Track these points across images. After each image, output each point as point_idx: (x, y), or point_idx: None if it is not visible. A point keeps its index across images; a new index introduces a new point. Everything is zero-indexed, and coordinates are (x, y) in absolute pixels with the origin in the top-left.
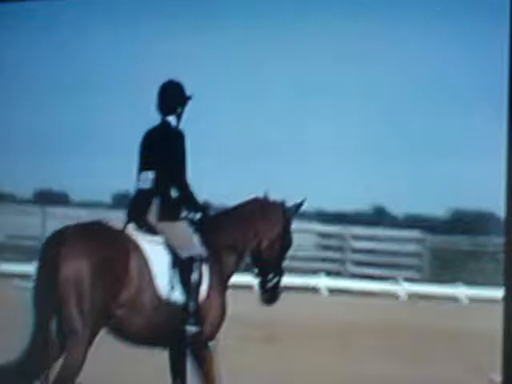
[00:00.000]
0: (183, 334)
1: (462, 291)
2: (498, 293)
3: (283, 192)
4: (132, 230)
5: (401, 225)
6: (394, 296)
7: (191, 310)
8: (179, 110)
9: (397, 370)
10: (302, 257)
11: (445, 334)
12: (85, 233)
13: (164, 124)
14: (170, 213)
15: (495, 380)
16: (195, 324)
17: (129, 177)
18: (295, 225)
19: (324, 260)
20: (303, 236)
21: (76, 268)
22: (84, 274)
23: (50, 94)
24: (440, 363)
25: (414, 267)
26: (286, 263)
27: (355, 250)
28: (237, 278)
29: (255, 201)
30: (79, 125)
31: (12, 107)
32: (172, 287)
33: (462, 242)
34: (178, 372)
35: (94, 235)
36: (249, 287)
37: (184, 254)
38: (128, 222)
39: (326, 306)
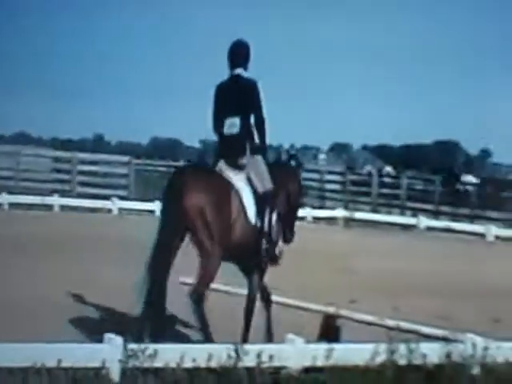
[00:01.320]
0: (260, 250)
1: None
2: None
3: None
4: (223, 168)
5: (114, 151)
6: (108, 211)
7: (266, 232)
8: (247, 65)
9: (116, 273)
10: (39, 179)
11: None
12: (200, 173)
13: (238, 76)
14: (254, 153)
15: (186, 281)
16: (268, 242)
17: None
18: (33, 151)
19: (57, 181)
20: (40, 160)
21: (198, 201)
22: (205, 206)
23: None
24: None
25: (124, 187)
26: (25, 184)
27: (81, 173)
28: None
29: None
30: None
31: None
32: (255, 215)
33: (159, 165)
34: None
35: (206, 175)
36: None
37: (260, 189)
38: (217, 161)
39: (58, 221)
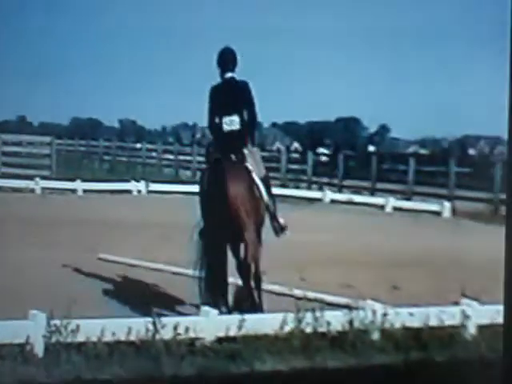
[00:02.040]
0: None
1: (79, 186)
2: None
3: None
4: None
5: (37, 132)
6: (31, 190)
7: (272, 210)
8: (235, 68)
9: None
10: None
11: (69, 222)
12: (234, 165)
13: (232, 79)
14: (253, 146)
15: (106, 258)
16: (275, 216)
17: None
18: None
19: None
20: None
21: (239, 191)
22: (244, 194)
23: None
24: (60, 244)
25: (46, 167)
26: None
27: (5, 154)
28: None
29: None
30: None
31: None
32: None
33: (80, 145)
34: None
35: (239, 166)
36: None
37: (259, 175)
38: (225, 155)
39: None
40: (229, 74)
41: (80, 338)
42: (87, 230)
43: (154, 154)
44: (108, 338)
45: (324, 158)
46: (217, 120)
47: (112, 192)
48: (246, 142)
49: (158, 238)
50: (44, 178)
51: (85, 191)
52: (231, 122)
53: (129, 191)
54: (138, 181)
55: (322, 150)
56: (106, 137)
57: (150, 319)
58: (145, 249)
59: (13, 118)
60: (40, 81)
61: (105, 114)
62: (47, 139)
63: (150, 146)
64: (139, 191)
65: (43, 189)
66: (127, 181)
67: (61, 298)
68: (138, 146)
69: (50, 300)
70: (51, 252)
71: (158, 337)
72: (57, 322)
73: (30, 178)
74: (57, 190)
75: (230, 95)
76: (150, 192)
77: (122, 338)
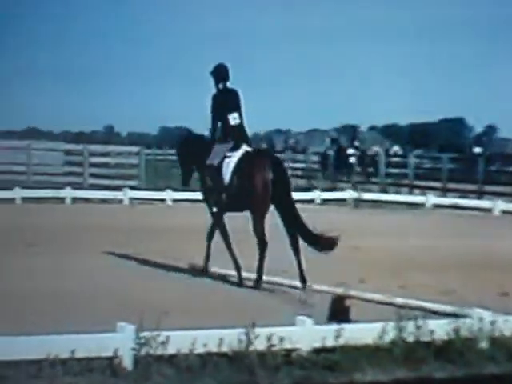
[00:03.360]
0: None
1: (169, 195)
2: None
3: None
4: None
5: (125, 142)
6: (119, 201)
7: None
8: (228, 80)
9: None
10: (51, 172)
11: (158, 230)
12: (265, 155)
13: (227, 87)
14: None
15: (195, 266)
16: None
17: None
18: (44, 145)
19: (69, 174)
20: (51, 154)
21: (267, 175)
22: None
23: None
24: (149, 253)
25: (134, 177)
26: (37, 178)
27: (92, 165)
28: None
29: None
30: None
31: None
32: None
33: (169, 154)
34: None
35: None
36: None
37: None
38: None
39: (70, 213)
40: (224, 84)
41: (171, 350)
42: (177, 239)
43: None
44: (200, 349)
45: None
46: (222, 118)
47: (202, 201)
48: (247, 133)
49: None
50: (132, 188)
51: (174, 201)
52: (234, 118)
53: None
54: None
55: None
56: None
57: (242, 330)
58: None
59: (100, 129)
60: (127, 91)
61: (194, 123)
62: (135, 149)
63: None
64: None
65: (132, 199)
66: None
67: (150, 308)
68: None
69: (138, 311)
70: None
71: (251, 348)
72: (146, 333)
73: (119, 188)
74: (146, 200)
75: (230, 98)
76: None
77: (214, 349)
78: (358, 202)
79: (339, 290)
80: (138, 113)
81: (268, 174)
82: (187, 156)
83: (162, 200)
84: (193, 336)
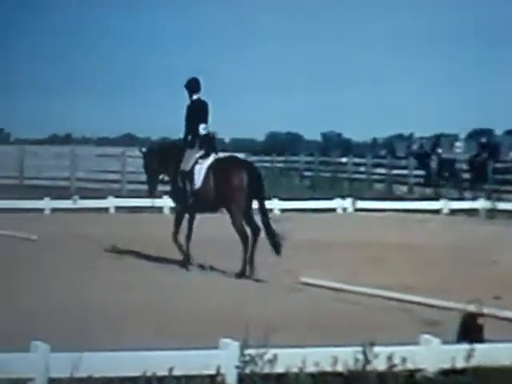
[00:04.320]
0: None
1: (276, 205)
2: (304, 204)
3: None
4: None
5: (228, 148)
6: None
7: None
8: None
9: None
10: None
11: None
12: (239, 159)
13: (200, 98)
14: None
15: (308, 282)
16: None
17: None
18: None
19: (166, 182)
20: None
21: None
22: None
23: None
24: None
25: None
26: (131, 187)
27: None
28: None
29: None
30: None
31: None
32: None
33: (276, 161)
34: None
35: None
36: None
37: None
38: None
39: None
40: (197, 95)
41: (279, 369)
42: (286, 251)
43: (362, 168)
44: (311, 368)
45: None
46: (194, 127)
47: (313, 211)
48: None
49: (366, 260)
50: None
51: (283, 210)
52: (204, 128)
53: (333, 209)
54: (343, 198)
55: None
56: (308, 151)
57: (359, 348)
58: (351, 271)
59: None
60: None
61: (305, 128)
62: (242, 156)
63: (357, 160)
64: (344, 209)
65: None
66: (331, 198)
67: (255, 324)
68: (344, 160)
69: (242, 327)
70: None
71: (369, 367)
72: (251, 351)
73: None
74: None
75: (203, 109)
76: (357, 210)
77: (328, 368)
78: (493, 213)
79: (471, 307)
80: (241, 118)
81: (243, 175)
82: (155, 164)
83: (269, 210)
84: (303, 354)
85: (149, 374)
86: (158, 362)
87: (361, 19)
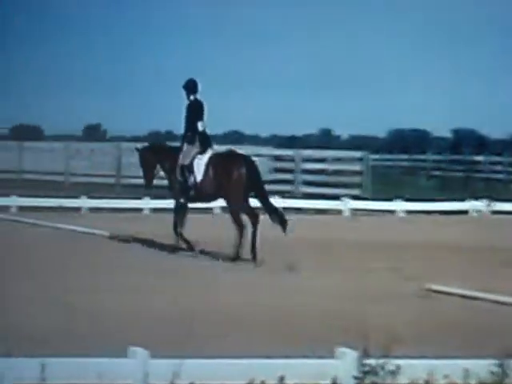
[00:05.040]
0: None
1: (400, 206)
2: (432, 206)
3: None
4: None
5: (345, 146)
6: (338, 212)
7: None
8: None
9: (337, 278)
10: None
11: (383, 245)
12: (238, 154)
13: (197, 99)
14: None
15: (432, 288)
16: None
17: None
18: (248, 150)
19: (278, 182)
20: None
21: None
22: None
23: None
24: (377, 271)
25: (356, 185)
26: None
27: (306, 171)
28: None
29: None
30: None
31: None
32: None
33: (399, 159)
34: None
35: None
36: None
37: None
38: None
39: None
40: (195, 96)
41: (402, 381)
42: (404, 256)
43: (499, 167)
44: (440, 381)
45: None
46: (193, 125)
47: (441, 213)
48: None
49: (500, 265)
50: (355, 197)
51: (407, 212)
52: (202, 125)
53: (465, 212)
54: (477, 199)
55: None
56: (436, 149)
57: (494, 361)
58: (482, 277)
59: (315, 132)
60: (347, 89)
61: (434, 124)
62: (358, 154)
63: (494, 158)
64: (479, 211)
65: (353, 210)
66: (462, 200)
67: (375, 333)
68: (479, 158)
69: (361, 336)
70: (350, 277)
71: (506, 381)
72: (371, 361)
73: (337, 197)
74: (370, 211)
75: (199, 108)
76: (494, 212)
77: (459, 381)
78: None
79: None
80: (359, 114)
81: (242, 169)
82: (152, 160)
83: (391, 211)
84: (431, 365)
85: (257, 382)
86: (269, 369)
87: None
